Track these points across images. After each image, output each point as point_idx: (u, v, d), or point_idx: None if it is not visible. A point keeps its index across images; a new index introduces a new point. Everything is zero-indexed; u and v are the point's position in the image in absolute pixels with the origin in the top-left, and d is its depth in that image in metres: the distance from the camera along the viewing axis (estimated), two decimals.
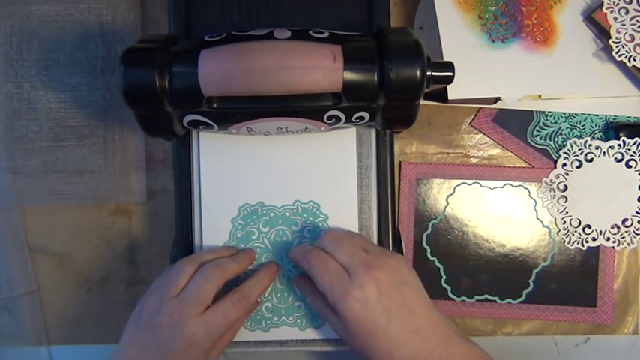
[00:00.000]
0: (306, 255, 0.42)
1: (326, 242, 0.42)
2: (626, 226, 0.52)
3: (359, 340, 0.40)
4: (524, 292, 0.53)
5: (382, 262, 0.40)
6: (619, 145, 0.52)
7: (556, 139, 0.53)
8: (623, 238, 0.52)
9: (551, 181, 0.52)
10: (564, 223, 0.52)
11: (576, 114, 0.53)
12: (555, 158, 0.53)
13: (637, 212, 0.52)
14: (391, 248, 0.47)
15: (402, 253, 0.48)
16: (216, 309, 0.41)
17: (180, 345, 0.39)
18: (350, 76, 0.38)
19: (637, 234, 0.52)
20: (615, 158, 0.52)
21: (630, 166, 0.52)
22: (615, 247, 0.52)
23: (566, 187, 0.52)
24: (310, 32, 0.39)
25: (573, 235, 0.52)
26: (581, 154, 0.52)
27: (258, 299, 0.46)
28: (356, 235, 0.44)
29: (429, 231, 0.53)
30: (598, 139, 0.53)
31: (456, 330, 0.41)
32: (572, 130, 0.53)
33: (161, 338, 0.39)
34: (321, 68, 0.37)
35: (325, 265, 0.41)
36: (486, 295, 0.53)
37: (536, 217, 0.53)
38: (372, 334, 0.39)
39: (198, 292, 0.41)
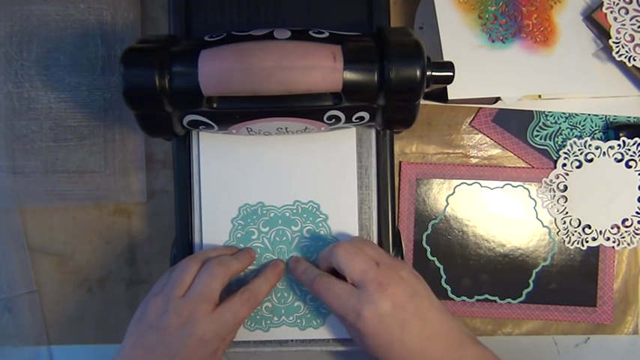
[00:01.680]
0: (313, 284, 0.42)
1: (338, 258, 0.41)
2: (626, 226, 0.52)
3: (375, 352, 0.40)
4: (524, 292, 0.53)
5: (394, 276, 0.41)
6: (619, 145, 0.52)
7: (556, 139, 0.53)
8: (623, 238, 0.52)
9: (551, 181, 0.52)
10: (564, 223, 0.52)
11: (576, 114, 0.53)
12: (555, 158, 0.53)
13: (637, 212, 0.52)
14: (391, 248, 0.47)
15: (402, 253, 0.48)
16: (226, 308, 0.41)
17: (191, 345, 0.39)
18: (350, 76, 0.38)
19: (637, 234, 0.52)
20: (615, 158, 0.52)
21: (630, 166, 0.52)
22: (615, 247, 0.52)
23: (566, 187, 0.52)
24: (310, 32, 0.39)
25: (573, 235, 0.52)
26: (581, 154, 0.52)
27: None
28: (365, 246, 0.43)
29: (429, 231, 0.53)
30: (598, 139, 0.53)
31: (468, 333, 0.42)
32: (572, 130, 0.53)
33: (170, 339, 0.39)
34: (321, 68, 0.37)
35: (333, 292, 0.41)
36: (486, 295, 0.53)
37: (536, 217, 0.53)
38: (387, 345, 0.39)
39: (205, 290, 0.41)
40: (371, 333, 0.39)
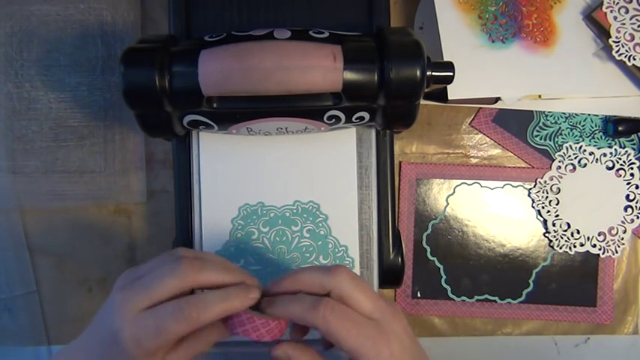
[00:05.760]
0: (317, 308, 0.33)
1: (344, 284, 0.34)
2: (612, 235, 0.52)
3: None
4: (524, 292, 0.53)
5: (395, 305, 0.36)
6: (611, 152, 0.52)
7: (556, 139, 0.53)
8: (609, 246, 0.52)
9: (545, 182, 0.52)
10: (554, 225, 0.52)
11: (576, 114, 0.53)
12: (555, 159, 0.53)
13: (622, 222, 0.52)
14: (391, 248, 0.47)
15: (402, 253, 0.48)
16: (151, 312, 0.32)
17: (106, 340, 0.33)
18: (350, 76, 0.38)
19: (622, 243, 0.52)
20: (607, 166, 0.52)
21: (620, 175, 0.52)
22: (600, 255, 0.52)
23: (559, 190, 0.52)
24: (310, 32, 0.39)
25: (562, 238, 0.52)
26: (575, 158, 0.52)
27: (223, 333, 0.36)
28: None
29: (429, 231, 0.53)
30: (598, 138, 0.53)
31: None
32: (572, 130, 0.53)
33: (93, 328, 0.35)
34: (321, 68, 0.37)
35: (349, 319, 0.33)
36: (486, 295, 0.53)
37: (537, 217, 0.53)
38: None
39: (152, 283, 0.33)
40: None
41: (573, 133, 0.53)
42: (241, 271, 0.36)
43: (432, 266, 0.53)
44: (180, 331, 0.32)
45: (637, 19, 0.49)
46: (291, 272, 0.35)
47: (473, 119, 0.53)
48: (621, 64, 0.50)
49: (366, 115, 0.41)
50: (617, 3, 0.49)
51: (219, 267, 0.35)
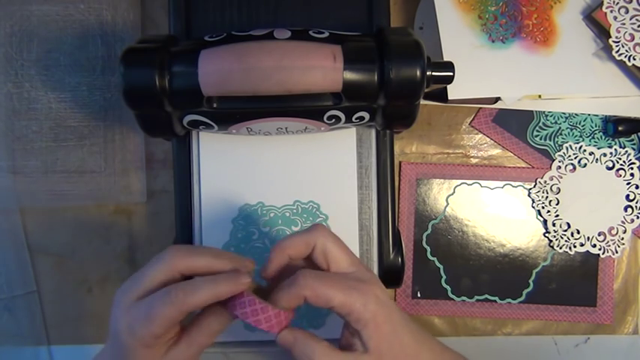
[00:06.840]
0: (297, 280, 0.34)
1: (325, 238, 0.36)
2: (612, 235, 0.52)
3: (392, 349, 0.35)
4: (524, 292, 0.53)
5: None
6: (611, 152, 0.52)
7: (556, 139, 0.53)
8: (609, 246, 0.52)
9: (545, 182, 0.52)
10: (554, 225, 0.52)
11: (576, 114, 0.53)
12: (555, 159, 0.53)
13: (622, 221, 0.52)
14: (391, 248, 0.47)
15: (402, 253, 0.48)
16: (144, 299, 0.34)
17: (112, 337, 0.35)
18: (350, 76, 0.38)
19: (622, 243, 0.52)
20: (607, 166, 0.52)
21: (620, 175, 0.52)
22: (600, 255, 0.52)
23: (559, 190, 0.52)
24: (310, 32, 0.39)
25: (562, 238, 0.52)
26: (575, 158, 0.52)
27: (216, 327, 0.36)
28: None
29: (429, 231, 0.53)
30: (598, 138, 0.53)
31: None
32: (572, 130, 0.53)
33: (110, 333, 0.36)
34: (321, 68, 0.37)
35: (330, 277, 0.35)
36: (486, 295, 0.53)
37: (537, 217, 0.53)
38: (399, 336, 0.36)
39: (142, 272, 0.35)
40: (384, 320, 0.35)
41: (573, 133, 0.53)
42: (234, 257, 0.36)
43: (432, 266, 0.53)
44: (169, 315, 0.33)
45: (637, 19, 0.49)
46: (274, 246, 0.37)
47: (473, 119, 0.53)
48: (621, 64, 0.50)
49: (366, 115, 0.41)
50: (617, 3, 0.49)
51: (207, 253, 0.36)
